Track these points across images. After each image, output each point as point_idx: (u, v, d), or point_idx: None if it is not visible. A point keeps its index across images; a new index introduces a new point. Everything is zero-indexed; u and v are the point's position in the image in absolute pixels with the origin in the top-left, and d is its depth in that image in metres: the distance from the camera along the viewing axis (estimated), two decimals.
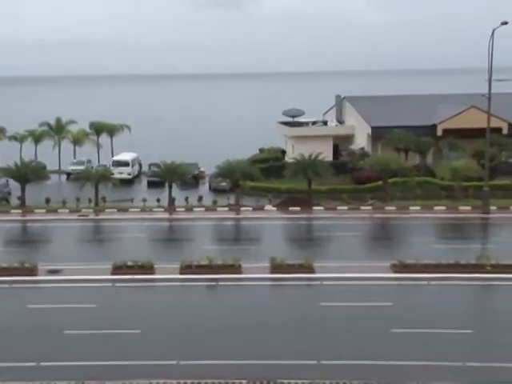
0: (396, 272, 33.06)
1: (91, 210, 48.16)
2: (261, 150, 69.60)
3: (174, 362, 23.66)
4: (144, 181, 59.84)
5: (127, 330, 26.27)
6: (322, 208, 47.83)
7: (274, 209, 48.16)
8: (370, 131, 59.97)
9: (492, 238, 40.88)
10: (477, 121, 53.40)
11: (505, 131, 57.53)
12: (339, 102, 70.23)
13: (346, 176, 55.04)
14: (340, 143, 63.40)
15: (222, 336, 25.80)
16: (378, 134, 58.83)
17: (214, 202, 49.21)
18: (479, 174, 49.10)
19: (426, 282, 31.68)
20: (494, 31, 46.22)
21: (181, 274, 33.17)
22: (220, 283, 32.18)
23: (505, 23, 45.61)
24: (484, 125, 48.51)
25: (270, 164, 59.25)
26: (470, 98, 59.25)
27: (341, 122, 68.59)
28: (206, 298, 31.02)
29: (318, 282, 32.19)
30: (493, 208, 46.06)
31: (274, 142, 69.92)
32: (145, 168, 63.10)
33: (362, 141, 62.00)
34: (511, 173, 52.27)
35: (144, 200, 49.33)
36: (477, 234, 42.62)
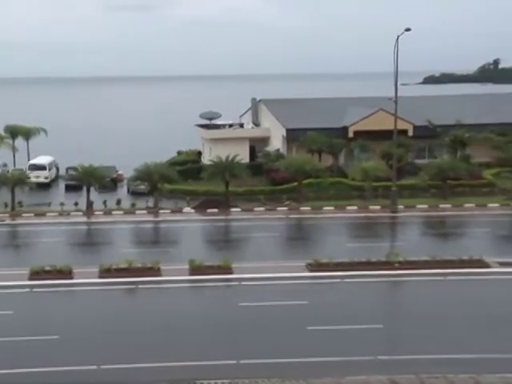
0: (311, 271, 33.52)
1: (7, 215, 46.77)
2: (179, 153, 69.32)
3: (95, 367, 23.25)
4: (61, 184, 58.54)
5: (45, 336, 25.63)
6: (239, 209, 48.00)
7: (193, 211, 48.00)
8: (284, 133, 60.57)
9: (400, 236, 42.03)
10: (385, 123, 54.55)
11: (410, 133, 59.07)
12: (255, 104, 70.63)
13: (262, 177, 55.39)
14: (256, 145, 63.74)
15: (142, 339, 25.54)
16: (293, 136, 59.49)
17: (133, 205, 48.66)
18: (387, 174, 50.23)
19: (339, 280, 32.24)
20: (398, 37, 47.44)
21: (100, 277, 32.64)
22: (139, 286, 31.85)
23: (408, 30, 46.80)
24: (391, 127, 49.73)
25: (188, 166, 59.05)
26: (378, 101, 60.55)
27: (257, 124, 68.99)
28: (125, 302, 30.66)
29: (237, 283, 32.30)
30: (400, 207, 47.32)
31: (192, 145, 69.71)
32: (62, 172, 61.70)
33: (277, 143, 62.54)
34: (417, 173, 53.68)
35: (62, 204, 48.29)
36: (386, 232, 43.74)
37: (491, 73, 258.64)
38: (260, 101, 70.22)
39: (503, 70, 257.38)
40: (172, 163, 59.38)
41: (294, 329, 26.40)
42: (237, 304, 29.21)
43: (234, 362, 23.58)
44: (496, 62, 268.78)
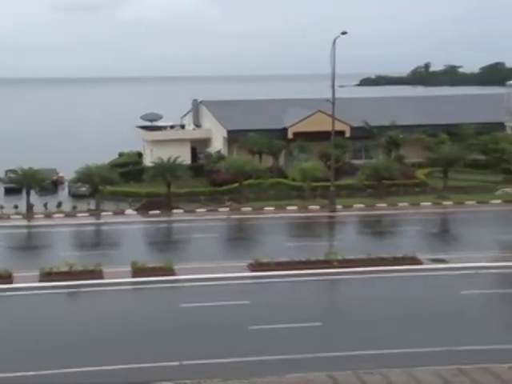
0: (252, 271, 33.66)
1: None
2: (120, 155, 68.64)
3: (34, 373, 22.81)
4: (0, 187, 57.19)
5: None
6: (181, 211, 47.83)
7: (135, 213, 47.59)
8: (225, 134, 60.62)
9: (338, 235, 42.58)
10: (323, 124, 55.13)
11: (348, 134, 59.86)
12: (196, 106, 70.47)
13: (203, 179, 55.32)
14: (197, 146, 63.63)
15: (83, 343, 25.20)
16: (234, 138, 59.61)
17: (74, 208, 47.95)
18: (326, 174, 50.80)
19: (280, 280, 32.47)
20: (335, 40, 47.99)
21: (40, 281, 32.05)
22: (81, 289, 31.42)
23: (344, 33, 47.33)
24: (329, 128, 50.28)
25: (130, 168, 58.51)
26: (317, 103, 61.11)
27: (198, 125, 68.83)
28: (66, 305, 30.21)
29: (179, 284, 32.19)
30: (339, 207, 47.92)
31: (134, 147, 69.06)
32: (1, 174, 60.25)
33: (218, 144, 62.54)
34: (354, 173, 54.46)
35: (1, 207, 47.23)
36: (325, 231, 44.28)
37: (422, 76, 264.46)
38: (201, 102, 70.09)
39: (433, 73, 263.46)
40: (113, 165, 58.78)
41: (236, 329, 26.49)
42: (179, 305, 29.11)
43: (176, 363, 23.50)
44: (427, 66, 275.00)
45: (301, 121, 60.56)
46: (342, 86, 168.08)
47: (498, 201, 49.25)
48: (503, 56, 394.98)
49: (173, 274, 33.03)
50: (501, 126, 56.20)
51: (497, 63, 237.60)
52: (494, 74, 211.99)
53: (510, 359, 22.67)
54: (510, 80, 57.59)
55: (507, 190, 52.18)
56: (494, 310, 28.54)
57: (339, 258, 34.38)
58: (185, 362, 23.52)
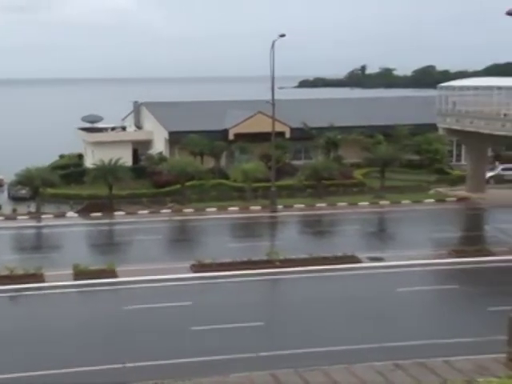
0: (195, 272, 33.60)
1: None
2: (61, 157, 67.42)
3: None
4: None
5: None
6: (123, 213, 47.33)
7: (76, 215, 46.87)
8: (167, 136, 60.24)
9: (280, 235, 42.88)
10: (263, 125, 55.33)
11: (287, 135, 60.22)
12: (137, 107, 69.76)
13: (145, 180, 54.80)
14: (139, 148, 63.02)
15: (24, 347, 24.71)
16: (175, 139, 59.27)
17: (14, 211, 46.90)
18: (267, 175, 51.00)
19: (223, 280, 32.51)
20: (274, 43, 48.30)
21: None
22: (22, 293, 30.79)
23: (283, 36, 47.63)
24: (270, 129, 50.55)
25: (71, 170, 57.56)
26: (257, 104, 61.25)
27: (139, 127, 68.19)
28: (7, 310, 29.52)
29: (121, 286, 31.89)
30: (280, 207, 48.26)
31: (74, 149, 67.90)
32: None
33: (160, 145, 62.08)
34: (294, 174, 54.86)
35: None
36: (267, 231, 44.52)
37: (359, 78, 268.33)
38: (142, 104, 69.45)
39: (369, 75, 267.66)
40: (54, 167, 57.73)
41: (179, 330, 26.41)
42: (122, 307, 28.84)
43: (119, 365, 23.27)
44: (363, 68, 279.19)
45: (241, 122, 60.65)
46: (281, 88, 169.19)
47: (432, 200, 50.41)
48: (434, 59, 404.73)
49: (115, 277, 32.69)
50: (433, 127, 57.35)
51: (428, 66, 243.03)
52: (425, 77, 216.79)
53: (444, 353, 23.25)
54: (440, 83, 58.90)
55: (440, 189, 53.49)
56: (429, 306, 29.26)
57: (281, 257, 34.63)
58: (128, 365, 23.32)
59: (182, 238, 42.32)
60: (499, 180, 55.37)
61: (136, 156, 62.34)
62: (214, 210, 48.01)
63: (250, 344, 24.86)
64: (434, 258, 35.49)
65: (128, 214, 47.12)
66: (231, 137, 60.23)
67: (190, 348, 24.61)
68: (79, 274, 32.61)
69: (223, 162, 59.71)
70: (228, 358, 23.79)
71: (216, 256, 34.59)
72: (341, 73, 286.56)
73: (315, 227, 44.60)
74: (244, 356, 23.89)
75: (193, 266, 34.21)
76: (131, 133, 65.90)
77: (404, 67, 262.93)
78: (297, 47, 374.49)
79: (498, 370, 21.69)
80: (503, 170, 56.40)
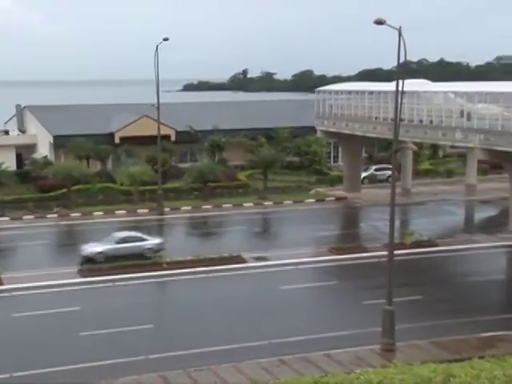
0: (83, 276, 32.91)
1: None
2: None
3: None
4: None
5: None
6: (7, 218, 45.48)
7: None
8: (51, 140, 58.44)
9: (167, 237, 42.50)
10: (149, 128, 54.74)
11: (173, 138, 59.98)
12: (20, 111, 67.26)
13: (30, 185, 52.87)
14: (23, 152, 60.72)
15: None
16: (60, 143, 57.56)
17: None
18: (153, 178, 50.55)
19: (111, 284, 32.03)
20: (157, 46, 47.96)
21: None
22: None
23: (166, 39, 47.32)
24: (155, 132, 50.06)
25: None
26: (143, 108, 60.51)
27: (23, 131, 65.73)
28: None
29: (8, 294, 30.74)
30: (167, 209, 47.97)
31: None
32: None
33: (45, 149, 60.14)
34: (180, 176, 54.66)
35: None
36: (154, 234, 43.99)
37: (241, 82, 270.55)
38: (25, 107, 66.98)
39: (251, 79, 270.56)
40: None
41: (68, 336, 25.85)
42: (9, 315, 27.83)
43: (6, 375, 22.46)
44: (245, 72, 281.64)
45: (127, 125, 59.76)
46: (166, 91, 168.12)
47: (312, 200, 51.79)
48: (312, 64, 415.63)
49: (1, 284, 31.45)
50: (312, 129, 58.96)
51: (307, 71, 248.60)
52: (304, 81, 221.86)
53: (325, 347, 24.06)
54: (318, 87, 60.57)
55: (320, 189, 55.05)
56: (310, 302, 30.08)
57: (168, 259, 34.52)
58: (15, 374, 22.56)
59: (69, 243, 41.16)
60: (372, 180, 57.71)
61: (20, 160, 60.03)
62: (101, 213, 47.08)
63: (139, 347, 24.65)
64: (315, 256, 36.47)
65: (12, 219, 45.33)
66: (117, 140, 59.21)
67: (78, 354, 24.08)
68: None
69: (110, 165, 58.63)
70: (117, 361, 23.51)
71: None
72: (224, 76, 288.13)
73: (202, 229, 44.74)
74: (133, 359, 23.69)
75: (80, 270, 33.47)
76: (14, 137, 63.42)
77: (284, 71, 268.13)
78: (181, 51, 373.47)
79: (373, 360, 22.76)
80: (376, 170, 58.78)
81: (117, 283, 32.07)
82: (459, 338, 24.94)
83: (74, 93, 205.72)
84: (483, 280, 32.34)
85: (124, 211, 47.84)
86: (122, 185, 51.45)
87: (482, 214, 50.22)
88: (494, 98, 39.91)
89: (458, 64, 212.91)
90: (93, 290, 31.54)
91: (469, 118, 41.18)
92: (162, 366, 22.95)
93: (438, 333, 25.21)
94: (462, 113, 42.24)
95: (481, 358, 18.45)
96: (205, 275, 33.24)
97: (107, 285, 31.90)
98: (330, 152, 65.08)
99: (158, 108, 48.75)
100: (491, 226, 43.60)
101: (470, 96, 41.87)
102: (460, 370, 15.80)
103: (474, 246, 38.44)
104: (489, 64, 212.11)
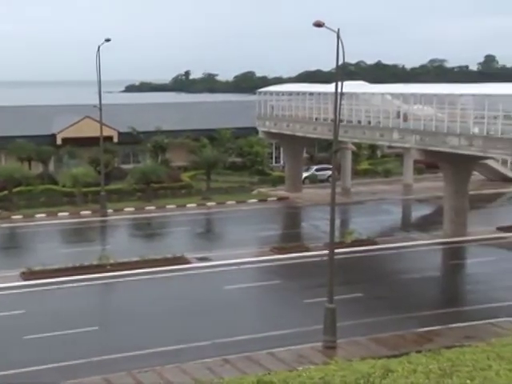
0: (26, 279, 32.21)
1: None
2: None
3: None
4: None
5: None
6: None
7: None
8: None
9: (111, 239, 42.20)
10: (91, 130, 53.98)
11: (116, 139, 59.30)
12: None
13: None
14: None
15: None
16: (1, 144, 56.19)
17: None
18: (96, 179, 49.88)
19: (56, 287, 31.48)
20: (99, 47, 47.35)
21: None
22: None
23: (108, 40, 46.73)
24: (98, 133, 49.43)
25: None
26: (85, 109, 59.62)
27: None
28: None
29: None
30: (110, 211, 47.39)
31: None
32: None
33: None
34: (123, 177, 54.10)
35: None
36: (98, 236, 43.58)
37: (183, 83, 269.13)
38: None
39: (193, 80, 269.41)
40: None
41: (11, 340, 25.27)
42: None
43: None
44: (187, 73, 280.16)
45: (69, 127, 58.77)
46: (108, 92, 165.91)
47: (255, 200, 52.03)
48: (253, 66, 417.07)
49: None
50: (254, 130, 59.22)
51: (248, 72, 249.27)
52: (246, 82, 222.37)
53: (268, 345, 24.23)
54: (259, 88, 60.88)
55: (262, 189, 55.35)
56: (254, 301, 30.24)
57: (112, 261, 34.14)
58: None
59: (10, 246, 40.28)
60: (313, 180, 58.36)
61: None
62: (43, 215, 46.17)
63: (84, 349, 24.32)
64: (258, 256, 36.65)
65: None
66: (59, 141, 58.18)
67: (21, 358, 23.58)
68: None
69: (52, 167, 57.57)
70: (61, 365, 23.12)
71: (47, 262, 33.42)
72: (166, 77, 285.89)
73: (145, 230, 44.40)
74: (78, 362, 23.35)
75: (23, 273, 32.77)
76: None
77: (226, 73, 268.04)
78: (123, 51, 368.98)
79: (315, 357, 23.06)
80: (317, 170, 59.47)
81: (60, 286, 31.53)
82: (397, 333, 25.48)
83: (14, 94, 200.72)
84: (419, 277, 33.14)
85: (67, 213, 47.06)
86: (64, 186, 50.63)
87: (418, 213, 51.42)
88: (428, 99, 40.86)
89: (395, 66, 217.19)
90: (36, 293, 30.91)
91: (405, 119, 42.11)
92: (107, 369, 22.68)
93: (377, 329, 25.71)
94: (398, 114, 43.16)
95: (418, 352, 18.90)
96: (149, 276, 33.01)
97: (51, 287, 31.32)
98: (271, 152, 65.55)
99: (101, 109, 48.14)
100: (427, 224, 44.73)
101: (405, 97, 42.79)
102: (398, 364, 16.20)
103: (410, 243, 39.36)
104: (423, 66, 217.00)
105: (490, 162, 55.88)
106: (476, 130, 36.69)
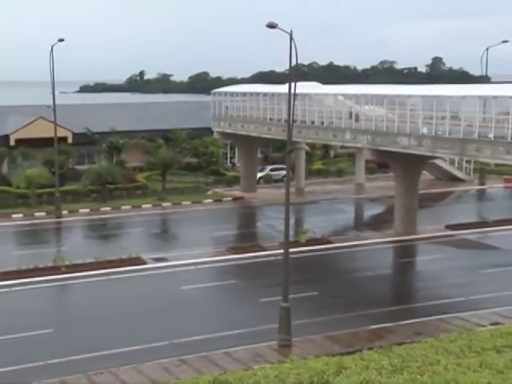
0: None
1: None
2: None
3: None
4: None
5: None
6: None
7: None
8: None
9: (66, 241, 41.55)
10: (45, 130, 53.13)
11: (70, 140, 58.43)
12: None
13: None
14: None
15: None
16: None
17: None
18: (51, 180, 49.07)
19: (8, 289, 30.90)
20: (52, 47, 46.65)
21: None
22: None
23: (61, 40, 46.05)
24: (52, 134, 48.69)
25: None
26: (39, 109, 58.60)
27: None
28: None
29: None
30: (65, 212, 46.73)
31: None
32: None
33: None
34: (78, 178, 53.40)
35: None
36: (52, 237, 42.90)
37: (138, 83, 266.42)
38: None
39: (148, 80, 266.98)
40: None
41: None
42: None
43: None
44: (142, 74, 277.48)
45: (23, 127, 57.66)
46: (62, 93, 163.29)
47: (210, 200, 51.95)
48: (207, 66, 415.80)
49: None
50: (209, 130, 59.11)
51: (202, 72, 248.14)
52: (200, 83, 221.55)
53: (224, 345, 24.26)
54: (214, 88, 60.80)
55: (217, 190, 55.31)
56: (210, 301, 30.18)
57: (67, 263, 33.68)
58: None
59: None
60: (268, 180, 58.58)
61: None
62: None
63: (38, 352, 23.93)
64: (214, 256, 36.62)
65: None
66: (12, 142, 57.04)
67: None
68: None
69: (5, 168, 56.43)
70: (15, 368, 22.72)
71: (0, 265, 32.72)
72: (120, 78, 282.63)
73: (101, 231, 43.89)
74: (32, 365, 22.96)
75: None
76: None
77: (181, 73, 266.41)
78: (76, 51, 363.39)
79: (271, 356, 23.20)
80: (271, 170, 59.71)
81: (13, 288, 30.97)
82: (351, 331, 25.80)
83: None
84: (372, 275, 33.61)
85: (21, 215, 46.23)
86: (18, 188, 49.68)
87: (370, 212, 52.12)
88: (379, 100, 41.41)
89: (346, 67, 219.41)
90: None
91: (357, 119, 42.62)
92: (62, 371, 22.38)
93: (331, 327, 25.97)
94: (350, 114, 43.64)
95: (370, 349, 19.23)
96: (105, 278, 32.68)
97: (4, 290, 30.75)
98: (226, 153, 65.56)
99: (55, 110, 47.47)
100: (379, 223, 45.38)
101: (357, 98, 43.33)
102: (351, 361, 16.46)
103: (363, 242, 39.87)
104: (374, 68, 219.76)
105: (439, 162, 57.03)
106: (425, 131, 37.39)
